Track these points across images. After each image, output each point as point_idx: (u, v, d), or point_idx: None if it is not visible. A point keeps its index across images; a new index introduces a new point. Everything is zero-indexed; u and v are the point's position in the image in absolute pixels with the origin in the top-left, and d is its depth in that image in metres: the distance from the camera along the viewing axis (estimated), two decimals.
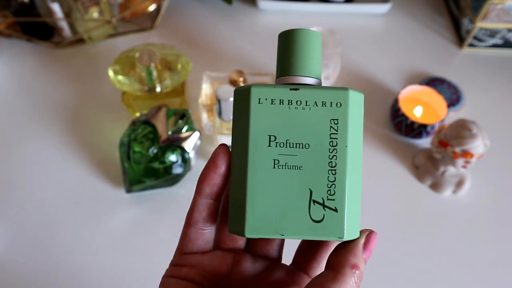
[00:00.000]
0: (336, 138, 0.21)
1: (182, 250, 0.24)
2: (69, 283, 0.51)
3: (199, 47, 0.76)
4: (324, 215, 0.21)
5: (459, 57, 0.77)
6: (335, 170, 0.21)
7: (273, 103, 0.22)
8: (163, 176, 0.55)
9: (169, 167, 0.55)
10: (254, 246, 0.26)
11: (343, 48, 0.71)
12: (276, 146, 0.22)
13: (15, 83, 0.70)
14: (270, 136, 0.22)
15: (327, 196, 0.21)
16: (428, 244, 0.55)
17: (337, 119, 0.22)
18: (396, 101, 0.63)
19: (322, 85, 0.24)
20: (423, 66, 0.74)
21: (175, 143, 0.55)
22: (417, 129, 0.62)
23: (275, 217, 0.21)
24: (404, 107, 0.63)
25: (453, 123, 0.56)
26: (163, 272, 0.25)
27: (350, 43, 0.76)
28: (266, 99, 0.22)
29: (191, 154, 0.56)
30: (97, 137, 0.63)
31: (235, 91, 0.23)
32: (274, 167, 0.21)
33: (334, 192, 0.21)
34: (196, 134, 0.57)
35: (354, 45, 0.77)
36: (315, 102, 0.22)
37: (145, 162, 0.54)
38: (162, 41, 0.76)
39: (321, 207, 0.21)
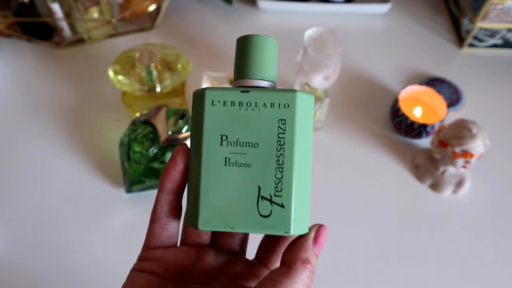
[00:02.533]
0: (284, 138, 0.22)
1: (148, 245, 0.25)
2: (69, 283, 0.51)
3: (199, 47, 0.76)
4: (271, 210, 0.22)
5: (459, 57, 0.77)
6: (282, 167, 0.22)
7: (225, 104, 0.23)
8: None
9: None
10: (218, 241, 0.27)
11: (343, 48, 0.71)
12: (228, 145, 0.23)
13: (15, 83, 0.70)
14: (222, 135, 0.23)
15: (275, 193, 0.22)
16: (428, 244, 0.55)
17: (284, 120, 0.23)
18: (396, 101, 0.63)
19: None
20: (423, 66, 0.74)
21: (175, 143, 0.55)
22: (417, 129, 0.62)
23: (226, 211, 0.22)
24: (404, 107, 0.63)
25: (453, 123, 0.56)
26: None
27: (350, 43, 0.76)
28: (219, 101, 0.23)
29: None
30: (97, 137, 0.63)
31: (193, 94, 0.24)
32: (225, 165, 0.23)
33: (281, 188, 0.22)
34: None
35: (354, 45, 0.77)
36: (264, 103, 0.23)
37: (145, 162, 0.54)
38: (162, 41, 0.76)
39: (269, 202, 0.22)
